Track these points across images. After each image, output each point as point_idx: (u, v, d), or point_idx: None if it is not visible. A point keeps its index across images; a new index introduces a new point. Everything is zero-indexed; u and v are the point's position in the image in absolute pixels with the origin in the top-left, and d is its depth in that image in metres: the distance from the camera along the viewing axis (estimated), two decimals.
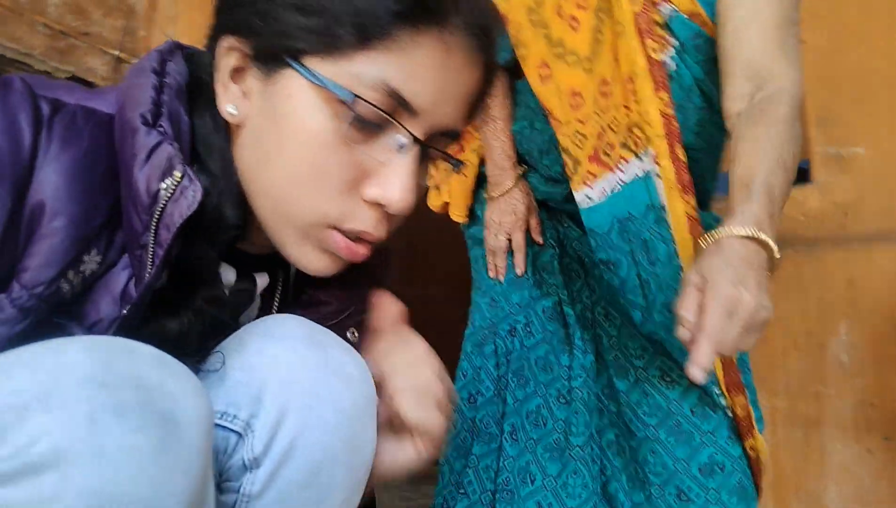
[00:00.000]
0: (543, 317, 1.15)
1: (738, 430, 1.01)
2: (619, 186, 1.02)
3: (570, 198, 1.10)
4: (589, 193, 1.03)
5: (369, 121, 0.56)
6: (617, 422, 1.09)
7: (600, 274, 1.09)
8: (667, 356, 1.04)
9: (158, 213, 0.54)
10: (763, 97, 0.92)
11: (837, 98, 1.66)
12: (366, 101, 0.55)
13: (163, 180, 0.54)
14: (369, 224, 0.60)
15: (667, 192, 0.98)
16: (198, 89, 0.62)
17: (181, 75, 0.61)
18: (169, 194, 0.54)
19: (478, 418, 1.14)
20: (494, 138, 1.18)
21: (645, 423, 1.05)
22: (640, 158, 1.00)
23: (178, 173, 0.54)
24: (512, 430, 1.09)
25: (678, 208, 0.97)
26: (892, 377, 1.54)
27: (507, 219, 1.16)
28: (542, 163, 1.15)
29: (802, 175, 1.69)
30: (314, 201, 0.58)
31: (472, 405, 1.16)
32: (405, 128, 0.57)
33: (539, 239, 1.18)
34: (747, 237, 0.76)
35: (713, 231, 0.79)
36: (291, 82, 0.57)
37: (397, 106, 0.56)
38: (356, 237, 0.60)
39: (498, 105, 1.18)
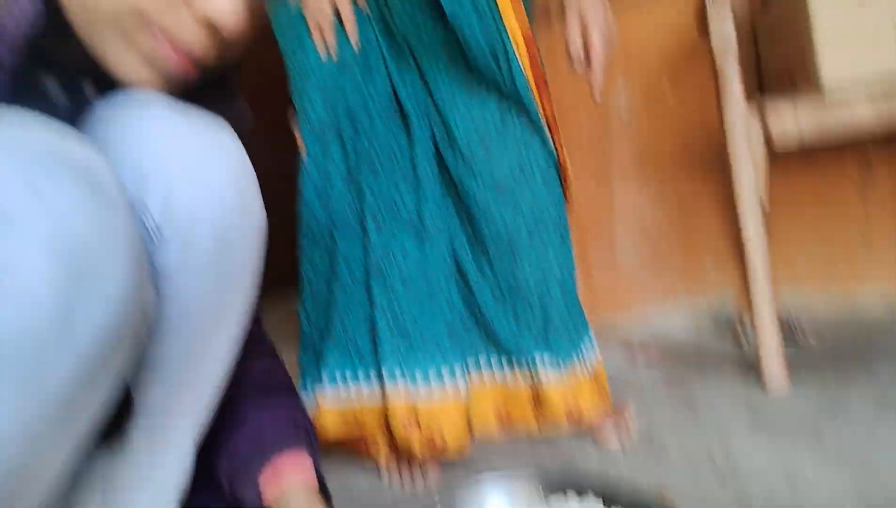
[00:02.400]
0: (378, 99, 1.13)
1: (549, 128, 1.15)
2: None
3: None
4: None
5: None
6: (452, 193, 1.16)
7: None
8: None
9: None
10: None
11: None
12: None
13: None
14: (196, 41, 0.57)
15: None
16: None
17: None
18: None
19: (334, 215, 1.13)
20: None
21: (477, 184, 1.13)
22: None
23: None
24: (374, 219, 1.11)
25: None
26: (663, 124, 1.77)
27: None
28: None
29: None
30: None
31: (325, 204, 1.14)
32: None
33: (364, 4, 1.12)
34: None
35: None
36: None
37: None
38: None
39: None
